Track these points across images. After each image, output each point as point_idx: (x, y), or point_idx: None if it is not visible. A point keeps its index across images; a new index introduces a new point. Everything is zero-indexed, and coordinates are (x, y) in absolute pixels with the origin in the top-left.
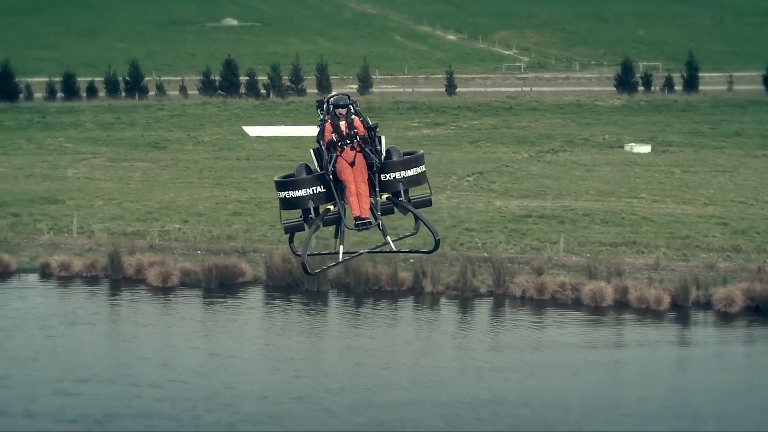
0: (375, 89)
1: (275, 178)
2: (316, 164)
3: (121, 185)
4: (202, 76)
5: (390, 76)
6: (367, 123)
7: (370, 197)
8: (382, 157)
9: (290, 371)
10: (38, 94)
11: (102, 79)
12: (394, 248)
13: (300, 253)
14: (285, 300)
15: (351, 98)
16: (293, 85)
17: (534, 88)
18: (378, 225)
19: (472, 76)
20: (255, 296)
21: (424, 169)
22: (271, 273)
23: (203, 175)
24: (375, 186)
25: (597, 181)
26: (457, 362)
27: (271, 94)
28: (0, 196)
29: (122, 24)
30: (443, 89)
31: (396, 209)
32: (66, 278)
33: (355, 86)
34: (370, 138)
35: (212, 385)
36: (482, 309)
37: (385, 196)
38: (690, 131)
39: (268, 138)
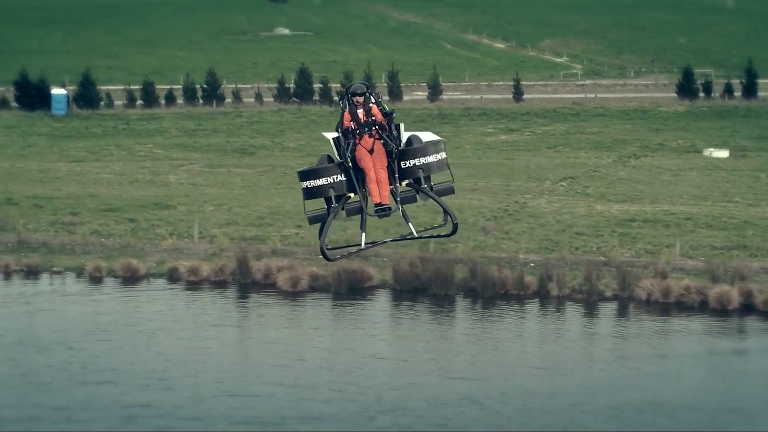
0: (442, 96)
1: (298, 170)
2: (336, 153)
3: (225, 191)
4: (277, 83)
5: (452, 83)
6: (385, 110)
7: (390, 184)
8: (402, 144)
9: (443, 373)
10: (118, 102)
11: (180, 86)
12: (416, 234)
13: (329, 248)
14: (413, 304)
15: (369, 87)
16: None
17: (598, 95)
18: (400, 211)
19: (532, 83)
20: (384, 300)
21: (444, 156)
22: (398, 277)
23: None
24: (395, 173)
25: (687, 185)
26: (615, 365)
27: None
28: (112, 202)
29: (177, 34)
30: (508, 96)
31: (419, 197)
32: (194, 282)
33: (425, 93)
34: (388, 125)
35: (375, 387)
36: (609, 312)
37: (405, 182)
38: (757, 136)
39: None
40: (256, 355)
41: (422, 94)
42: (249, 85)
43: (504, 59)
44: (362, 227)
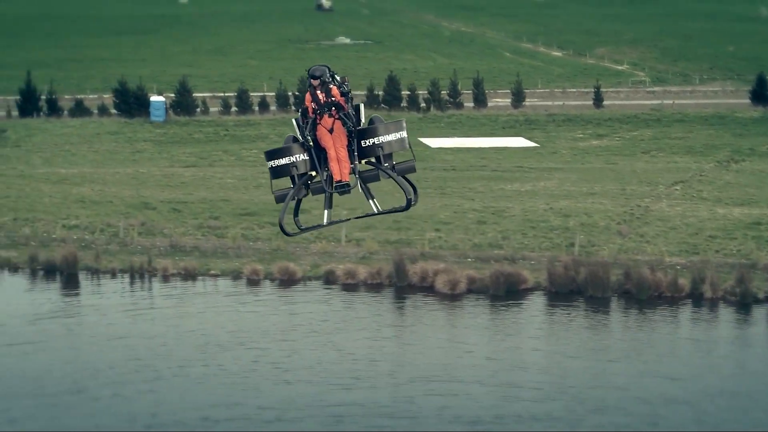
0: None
1: (264, 150)
2: (299, 133)
3: None
4: (366, 90)
5: (527, 90)
6: (344, 90)
7: (351, 163)
8: (361, 123)
9: (636, 372)
10: (213, 108)
11: (273, 93)
12: (376, 211)
13: (301, 225)
14: (569, 305)
15: (330, 69)
16: (451, 99)
17: (675, 101)
18: (360, 188)
19: (605, 89)
20: (540, 302)
21: (405, 135)
22: (553, 280)
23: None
24: (354, 151)
25: None
26: None
27: (431, 107)
28: (246, 206)
29: (242, 43)
30: (585, 102)
31: (381, 176)
32: (351, 285)
33: (500, 100)
34: (348, 105)
35: (573, 387)
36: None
37: (365, 161)
38: None
39: (452, 149)
40: (442, 355)
41: (499, 101)
42: None
43: (567, 67)
44: (326, 205)
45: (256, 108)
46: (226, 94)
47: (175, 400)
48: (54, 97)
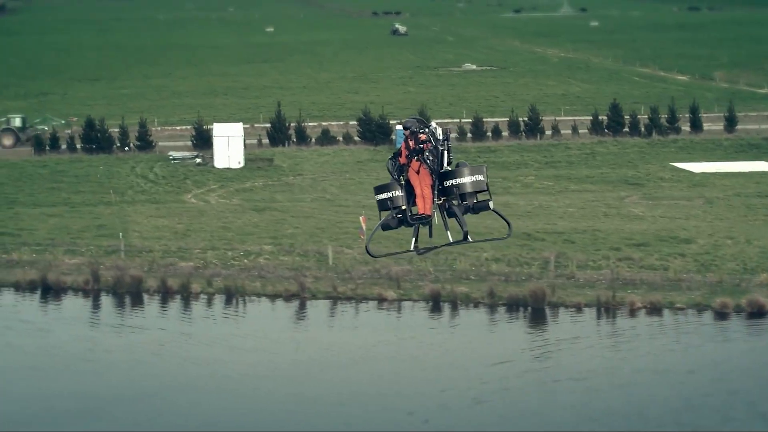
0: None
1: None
2: (391, 174)
3: (707, 223)
4: (591, 116)
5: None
6: (433, 141)
7: (434, 200)
8: (444, 168)
9: None
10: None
11: (506, 119)
12: (451, 240)
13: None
14: None
15: (418, 122)
16: (668, 124)
17: None
18: (444, 222)
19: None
20: None
21: (482, 178)
22: None
23: (745, 211)
24: (435, 190)
25: None
26: None
27: (653, 133)
28: (630, 236)
29: (376, 71)
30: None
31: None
32: None
33: (722, 124)
34: (434, 152)
35: None
36: None
37: (443, 199)
38: None
39: (717, 174)
40: None
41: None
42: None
43: (714, 91)
44: (413, 233)
45: (489, 134)
46: (462, 121)
47: None
48: (302, 125)
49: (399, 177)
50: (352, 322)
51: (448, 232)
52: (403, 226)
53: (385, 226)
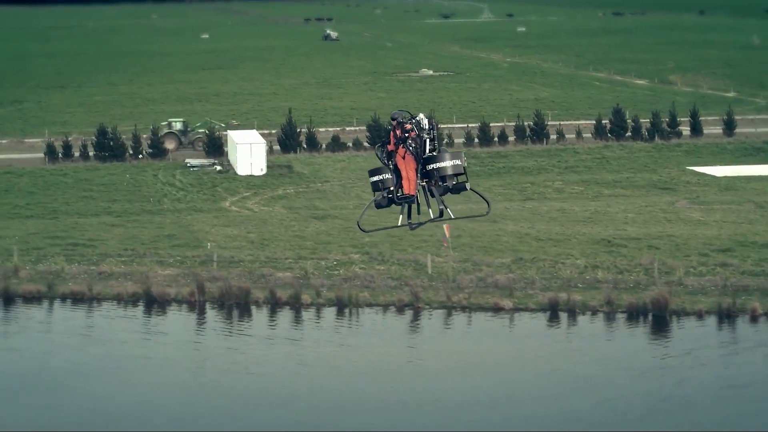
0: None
1: (369, 169)
2: (380, 160)
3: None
4: (595, 121)
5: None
6: (417, 131)
7: (418, 181)
8: (427, 153)
9: None
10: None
11: (512, 124)
12: (432, 217)
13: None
14: None
15: (403, 115)
16: (669, 129)
17: None
18: (426, 201)
19: (752, 117)
20: None
21: (459, 163)
22: None
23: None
24: (418, 173)
25: None
26: None
27: (656, 137)
28: (711, 241)
29: (339, 77)
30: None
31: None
32: None
33: (720, 128)
34: (417, 140)
35: None
36: None
37: (425, 181)
38: None
39: (739, 177)
40: None
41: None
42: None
43: (681, 95)
44: (402, 211)
45: (496, 139)
46: (470, 126)
47: None
48: (312, 131)
49: (388, 162)
50: (493, 331)
51: (430, 209)
52: (393, 205)
53: (378, 205)
